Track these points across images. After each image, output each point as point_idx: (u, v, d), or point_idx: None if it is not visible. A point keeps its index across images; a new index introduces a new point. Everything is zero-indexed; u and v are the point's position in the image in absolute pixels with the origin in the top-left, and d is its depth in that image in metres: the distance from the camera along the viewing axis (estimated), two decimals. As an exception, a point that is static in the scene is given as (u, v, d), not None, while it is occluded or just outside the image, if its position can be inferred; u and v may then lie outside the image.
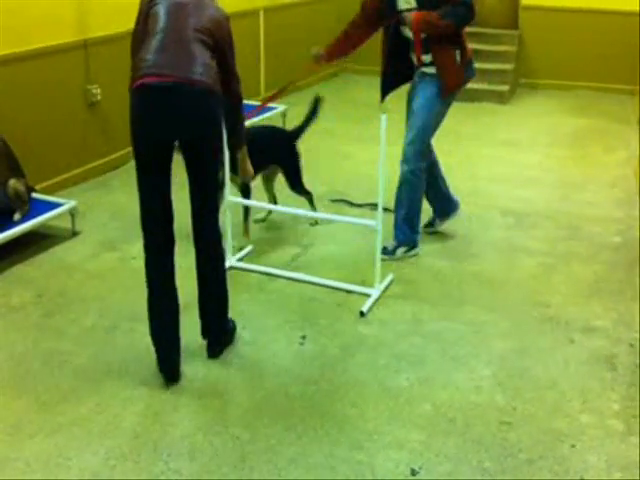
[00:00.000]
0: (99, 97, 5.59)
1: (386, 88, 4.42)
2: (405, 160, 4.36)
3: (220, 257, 3.39)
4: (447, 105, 4.34)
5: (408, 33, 4.21)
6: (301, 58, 4.98)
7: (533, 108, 8.25)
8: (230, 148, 3.91)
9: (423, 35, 4.13)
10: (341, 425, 3.06)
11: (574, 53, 8.76)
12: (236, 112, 3.42)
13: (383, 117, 3.84)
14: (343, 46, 4.48)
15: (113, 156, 5.86)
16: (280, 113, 6.85)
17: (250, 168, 3.67)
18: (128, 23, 5.74)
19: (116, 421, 3.06)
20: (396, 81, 4.43)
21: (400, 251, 4.50)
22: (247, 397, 3.25)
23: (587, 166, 6.32)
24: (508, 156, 6.54)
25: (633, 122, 7.45)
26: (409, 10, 4.12)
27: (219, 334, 3.51)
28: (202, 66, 3.04)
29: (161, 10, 3.12)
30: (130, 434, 2.98)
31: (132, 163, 6.13)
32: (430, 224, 4.87)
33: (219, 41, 3.14)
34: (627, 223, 5.09)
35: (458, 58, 4.20)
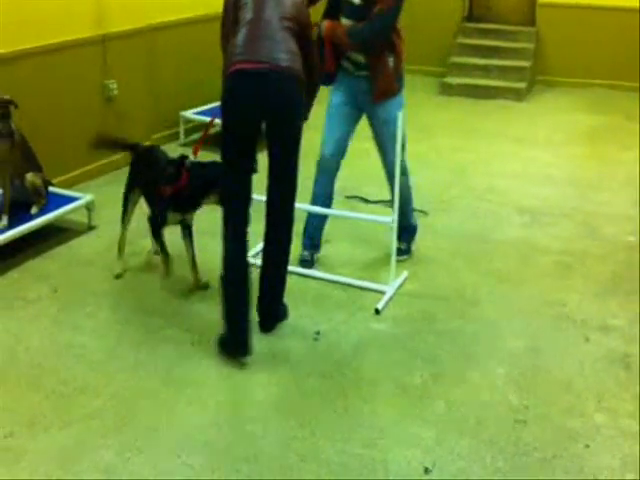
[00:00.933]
0: (116, 92, 5.61)
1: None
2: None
3: (289, 239, 3.60)
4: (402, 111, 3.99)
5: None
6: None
7: (550, 105, 8.20)
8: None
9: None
10: (354, 422, 3.07)
11: (591, 50, 8.68)
12: (313, 88, 3.66)
13: (399, 114, 3.83)
14: None
15: (129, 151, 5.88)
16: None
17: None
18: (146, 18, 5.83)
19: (130, 414, 3.08)
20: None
21: (412, 244, 4.52)
22: (261, 392, 3.26)
23: (603, 164, 6.27)
24: (524, 153, 6.51)
25: (651, 120, 7.39)
26: (351, 3, 3.91)
27: (276, 312, 3.68)
28: (288, 53, 3.30)
29: (249, 1, 3.35)
30: (144, 428, 3.00)
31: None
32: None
33: (302, 26, 3.41)
34: (644, 222, 5.06)
35: (391, 65, 3.97)
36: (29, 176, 4.43)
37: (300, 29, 3.39)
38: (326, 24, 3.95)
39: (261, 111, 3.32)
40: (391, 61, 3.96)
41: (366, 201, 5.30)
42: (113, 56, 5.54)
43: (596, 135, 7.09)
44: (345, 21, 3.96)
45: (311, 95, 3.69)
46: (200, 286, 4.04)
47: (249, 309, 3.45)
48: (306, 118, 3.67)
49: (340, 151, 4.23)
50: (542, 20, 8.90)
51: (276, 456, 2.88)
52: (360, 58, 4.00)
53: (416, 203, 5.16)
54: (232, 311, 3.43)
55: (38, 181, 4.47)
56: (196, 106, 6.42)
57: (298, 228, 3.92)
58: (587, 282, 4.25)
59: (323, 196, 4.30)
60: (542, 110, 8.01)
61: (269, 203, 3.53)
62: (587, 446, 2.95)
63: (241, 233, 3.45)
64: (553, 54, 8.92)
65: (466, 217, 5.13)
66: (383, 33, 3.91)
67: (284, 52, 3.29)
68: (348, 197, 5.36)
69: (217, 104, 6.48)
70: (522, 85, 8.41)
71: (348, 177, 5.67)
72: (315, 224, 4.39)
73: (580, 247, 4.69)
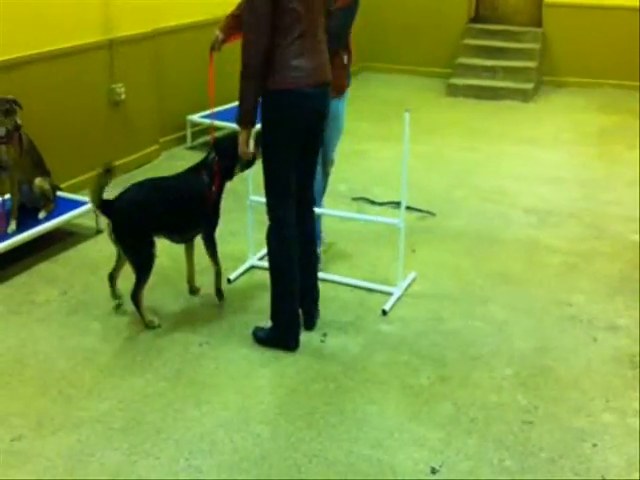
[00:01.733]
0: (123, 96, 5.64)
1: None
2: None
3: (315, 232, 3.78)
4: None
5: None
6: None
7: (557, 106, 8.19)
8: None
9: None
10: (361, 423, 3.07)
11: (598, 50, 8.67)
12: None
13: (406, 115, 3.84)
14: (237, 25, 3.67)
15: (137, 155, 5.91)
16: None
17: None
18: (153, 23, 5.86)
19: (138, 417, 3.09)
20: None
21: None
22: (268, 394, 3.27)
23: (610, 164, 6.26)
24: (532, 154, 6.50)
25: (659, 120, 7.36)
26: None
27: (317, 305, 3.77)
28: (329, 63, 3.41)
29: (298, 7, 3.17)
30: (152, 430, 3.01)
31: (155, 162, 6.22)
32: None
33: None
34: (651, 222, 5.05)
35: (345, 62, 4.02)
36: (37, 181, 4.45)
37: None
38: None
39: (309, 125, 3.42)
40: (345, 59, 4.01)
41: (373, 202, 5.31)
42: (120, 60, 5.57)
43: (604, 135, 7.08)
44: None
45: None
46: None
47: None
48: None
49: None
50: (548, 20, 8.90)
51: (283, 457, 2.88)
52: None
53: (423, 204, 5.20)
54: (290, 301, 3.56)
55: (46, 186, 4.50)
56: (203, 110, 6.43)
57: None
58: (594, 282, 4.24)
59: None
60: (549, 111, 8.00)
61: (299, 203, 3.59)
62: (595, 445, 2.95)
63: (293, 225, 3.54)
64: (560, 54, 8.91)
65: (473, 218, 5.13)
66: (348, 27, 3.93)
67: (329, 67, 3.42)
68: (355, 199, 5.37)
69: (224, 107, 6.56)
70: (529, 86, 8.40)
71: (354, 179, 5.71)
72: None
73: (587, 247, 4.68)
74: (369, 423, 3.07)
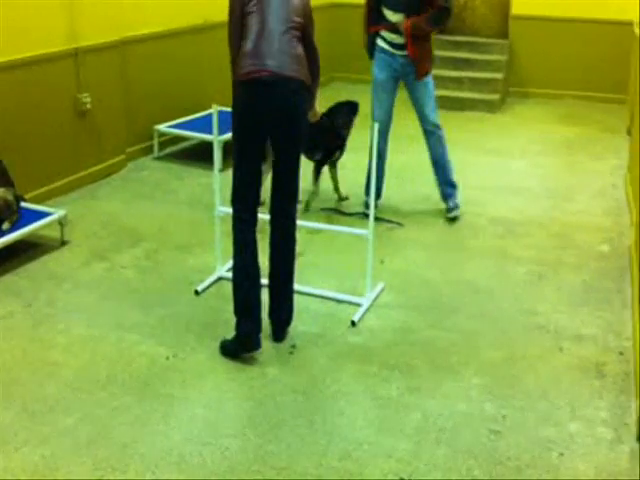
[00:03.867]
0: (89, 106, 5.58)
1: (371, 51, 5.18)
2: (435, 125, 5.17)
3: (293, 239, 3.69)
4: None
5: (391, 19, 4.90)
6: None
7: (523, 117, 8.29)
8: None
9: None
10: (330, 435, 3.06)
11: (564, 62, 8.80)
12: (315, 81, 3.74)
13: (376, 125, 3.85)
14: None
15: (103, 165, 5.85)
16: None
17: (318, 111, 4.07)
18: (119, 32, 5.82)
19: (104, 432, 3.04)
20: (373, 48, 5.16)
21: (458, 201, 5.29)
22: (236, 406, 3.24)
23: (577, 174, 6.34)
24: (498, 164, 6.57)
25: (622, 131, 7.47)
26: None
27: (288, 315, 3.74)
28: (296, 61, 3.44)
29: (257, 7, 3.44)
30: (118, 445, 2.97)
31: (122, 172, 6.18)
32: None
33: (306, 27, 3.54)
34: (616, 231, 5.11)
35: (429, 49, 5.00)
36: (1, 192, 4.39)
37: (304, 31, 3.52)
38: (406, 22, 4.80)
39: (268, 119, 3.44)
40: (428, 46, 4.99)
41: (342, 213, 5.31)
42: (86, 70, 5.51)
43: (569, 146, 7.17)
44: (389, 12, 4.88)
45: (315, 89, 3.84)
46: (342, 199, 5.45)
47: (260, 304, 3.56)
48: (312, 108, 3.89)
49: (389, 117, 5.20)
50: (515, 32, 9.01)
51: (252, 471, 2.86)
52: (398, 40, 4.92)
53: (392, 215, 5.22)
54: (247, 305, 3.52)
55: (10, 197, 4.43)
56: (170, 119, 6.41)
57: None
58: (561, 292, 4.28)
59: (381, 151, 5.17)
60: (515, 121, 8.09)
61: (271, 211, 3.66)
62: (562, 454, 2.97)
63: (252, 233, 3.56)
64: (526, 66, 9.03)
65: (441, 228, 5.16)
66: (451, 14, 4.93)
67: (290, 60, 3.41)
68: (324, 210, 5.37)
69: (191, 117, 6.52)
70: (495, 97, 8.50)
71: (323, 190, 5.70)
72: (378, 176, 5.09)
73: (554, 257, 4.73)
74: (338, 435, 3.06)
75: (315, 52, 3.66)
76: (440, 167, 5.28)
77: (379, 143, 4.99)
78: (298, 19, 3.48)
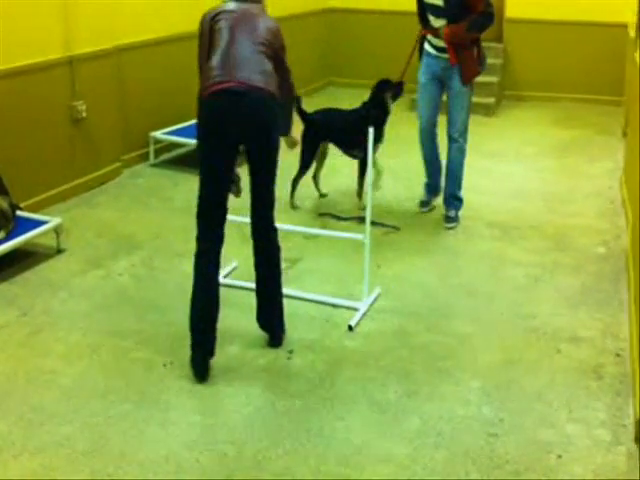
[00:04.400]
0: (84, 114, 5.58)
1: (420, 53, 5.36)
2: (459, 134, 5.21)
3: (277, 248, 3.64)
4: (472, 91, 5.23)
5: (434, 24, 5.05)
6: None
7: (518, 120, 8.30)
8: None
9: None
10: (328, 440, 3.05)
11: (559, 65, 8.82)
12: (289, 107, 3.73)
13: (371, 130, 3.85)
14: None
15: (99, 173, 5.85)
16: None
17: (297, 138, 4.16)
18: (114, 39, 5.82)
19: (101, 440, 3.03)
20: (422, 51, 5.34)
21: (460, 213, 5.28)
22: (234, 413, 3.23)
23: (573, 177, 6.35)
24: (494, 168, 6.57)
25: (618, 133, 7.49)
26: (436, 6, 4.95)
27: (279, 321, 3.72)
28: (263, 74, 3.38)
29: (224, 25, 3.43)
30: (116, 453, 2.96)
31: (117, 180, 6.18)
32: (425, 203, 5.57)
33: (276, 49, 3.48)
34: (613, 233, 5.12)
35: (475, 54, 5.04)
36: (-4, 200, 4.39)
37: (274, 52, 3.46)
38: (445, 30, 4.93)
39: (237, 130, 3.36)
40: (475, 51, 5.04)
41: (338, 218, 5.31)
42: (81, 77, 5.51)
43: (565, 148, 7.19)
44: (432, 17, 5.05)
45: (288, 112, 3.84)
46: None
47: (215, 331, 3.45)
48: (287, 133, 3.92)
49: (435, 119, 5.34)
50: (510, 36, 9.02)
51: (250, 477, 2.85)
52: (441, 44, 5.03)
53: (388, 219, 5.22)
54: (199, 332, 3.44)
55: (5, 205, 4.43)
56: (166, 126, 6.41)
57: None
58: (557, 294, 4.28)
59: (432, 157, 5.47)
60: (511, 125, 8.10)
61: (251, 219, 3.61)
62: (560, 457, 2.96)
63: (214, 252, 3.47)
64: (521, 69, 9.05)
65: (437, 232, 5.16)
66: (494, 17, 4.95)
67: (259, 73, 3.36)
68: (321, 214, 5.37)
69: (187, 124, 6.51)
70: (491, 100, 8.51)
71: (319, 195, 5.71)
72: (433, 172, 5.52)
73: (550, 259, 4.73)
74: (336, 440, 3.06)
75: (288, 74, 3.61)
76: (452, 176, 5.31)
77: (423, 145, 5.42)
78: (268, 38, 3.43)
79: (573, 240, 5.02)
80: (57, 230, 4.66)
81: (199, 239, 3.49)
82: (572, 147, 7.23)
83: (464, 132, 5.25)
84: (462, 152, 5.28)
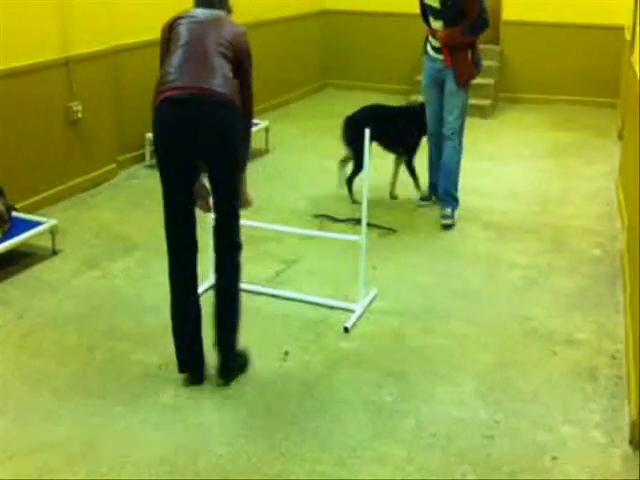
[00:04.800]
0: (80, 115, 5.58)
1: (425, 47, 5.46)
2: (452, 132, 5.25)
3: (237, 266, 3.36)
4: (467, 93, 5.30)
5: (433, 25, 5.21)
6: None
7: (514, 122, 8.31)
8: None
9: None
10: (324, 441, 3.05)
11: (555, 67, 8.84)
12: (248, 126, 3.41)
13: (367, 131, 3.86)
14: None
15: (95, 173, 5.84)
16: (263, 129, 6.88)
17: (251, 196, 3.56)
18: (110, 40, 5.81)
19: (96, 441, 3.03)
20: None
21: (456, 213, 5.30)
22: (229, 415, 3.23)
23: (568, 179, 6.36)
24: (490, 169, 6.58)
25: (613, 135, 7.51)
26: (434, 7, 5.09)
27: (231, 355, 3.42)
28: (222, 78, 3.13)
29: (183, 29, 3.24)
30: (110, 454, 2.96)
31: (113, 181, 6.17)
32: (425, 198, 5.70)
33: (238, 53, 3.23)
34: (608, 235, 5.13)
35: (469, 57, 5.15)
36: (-9, 201, 4.38)
37: (237, 58, 3.22)
38: (441, 33, 5.10)
39: (193, 144, 3.13)
40: (469, 54, 5.14)
41: (334, 220, 5.31)
42: (77, 79, 5.51)
43: (561, 150, 7.20)
44: (431, 18, 5.19)
45: (247, 142, 3.41)
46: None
47: (200, 341, 3.38)
48: (243, 170, 3.37)
49: (436, 118, 5.40)
50: (506, 38, 9.04)
51: (245, 479, 2.84)
52: (438, 44, 5.18)
53: (384, 220, 5.22)
54: (183, 349, 3.38)
55: (0, 206, 4.42)
56: (162, 128, 6.40)
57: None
58: (553, 296, 4.29)
59: (436, 157, 5.55)
60: (507, 127, 8.12)
61: (214, 231, 3.37)
62: (555, 459, 2.96)
63: (189, 265, 3.31)
64: (517, 71, 9.06)
65: (434, 234, 5.17)
66: (488, 21, 5.10)
67: (218, 77, 3.12)
68: (316, 216, 5.37)
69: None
70: (487, 102, 8.52)
71: (315, 197, 5.71)
72: (434, 171, 5.60)
73: (546, 261, 4.74)
74: (332, 441, 3.05)
75: (249, 90, 3.31)
76: (446, 174, 5.35)
77: (429, 145, 5.57)
78: (229, 40, 3.19)
79: (569, 242, 5.03)
80: (53, 231, 4.66)
81: (170, 254, 3.29)
82: (568, 149, 7.24)
83: (458, 131, 5.30)
84: (456, 151, 5.33)
